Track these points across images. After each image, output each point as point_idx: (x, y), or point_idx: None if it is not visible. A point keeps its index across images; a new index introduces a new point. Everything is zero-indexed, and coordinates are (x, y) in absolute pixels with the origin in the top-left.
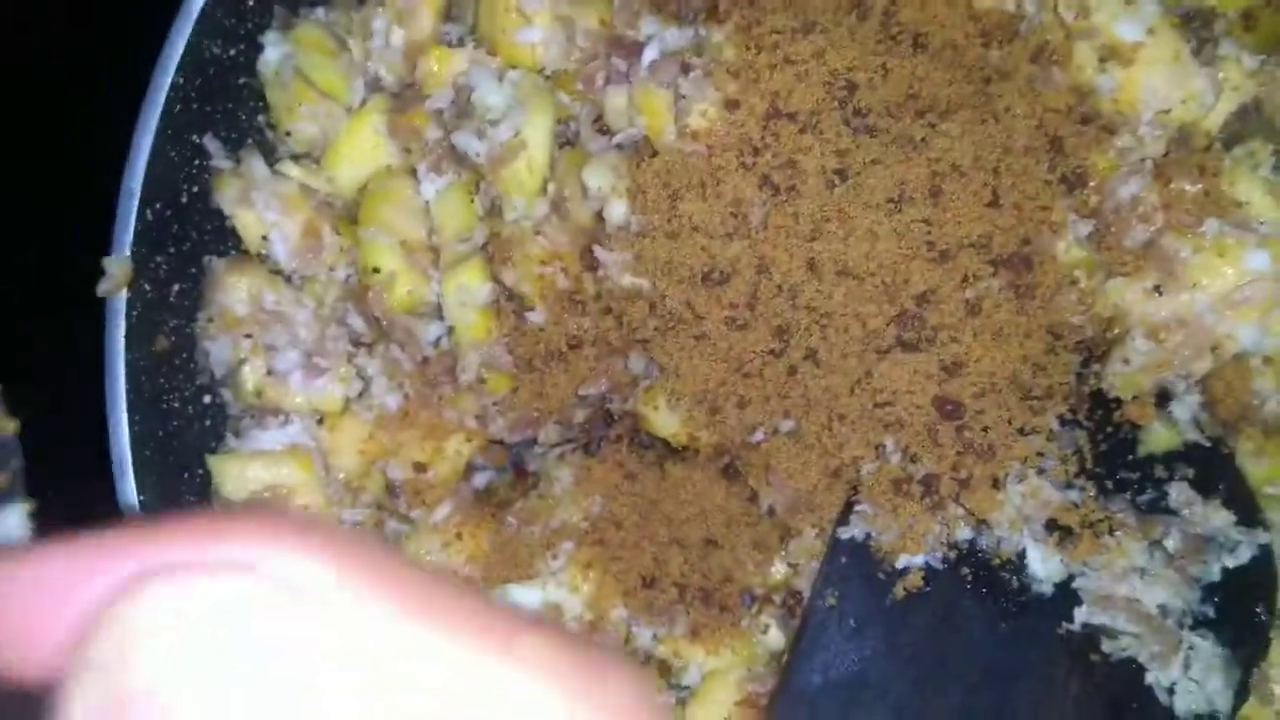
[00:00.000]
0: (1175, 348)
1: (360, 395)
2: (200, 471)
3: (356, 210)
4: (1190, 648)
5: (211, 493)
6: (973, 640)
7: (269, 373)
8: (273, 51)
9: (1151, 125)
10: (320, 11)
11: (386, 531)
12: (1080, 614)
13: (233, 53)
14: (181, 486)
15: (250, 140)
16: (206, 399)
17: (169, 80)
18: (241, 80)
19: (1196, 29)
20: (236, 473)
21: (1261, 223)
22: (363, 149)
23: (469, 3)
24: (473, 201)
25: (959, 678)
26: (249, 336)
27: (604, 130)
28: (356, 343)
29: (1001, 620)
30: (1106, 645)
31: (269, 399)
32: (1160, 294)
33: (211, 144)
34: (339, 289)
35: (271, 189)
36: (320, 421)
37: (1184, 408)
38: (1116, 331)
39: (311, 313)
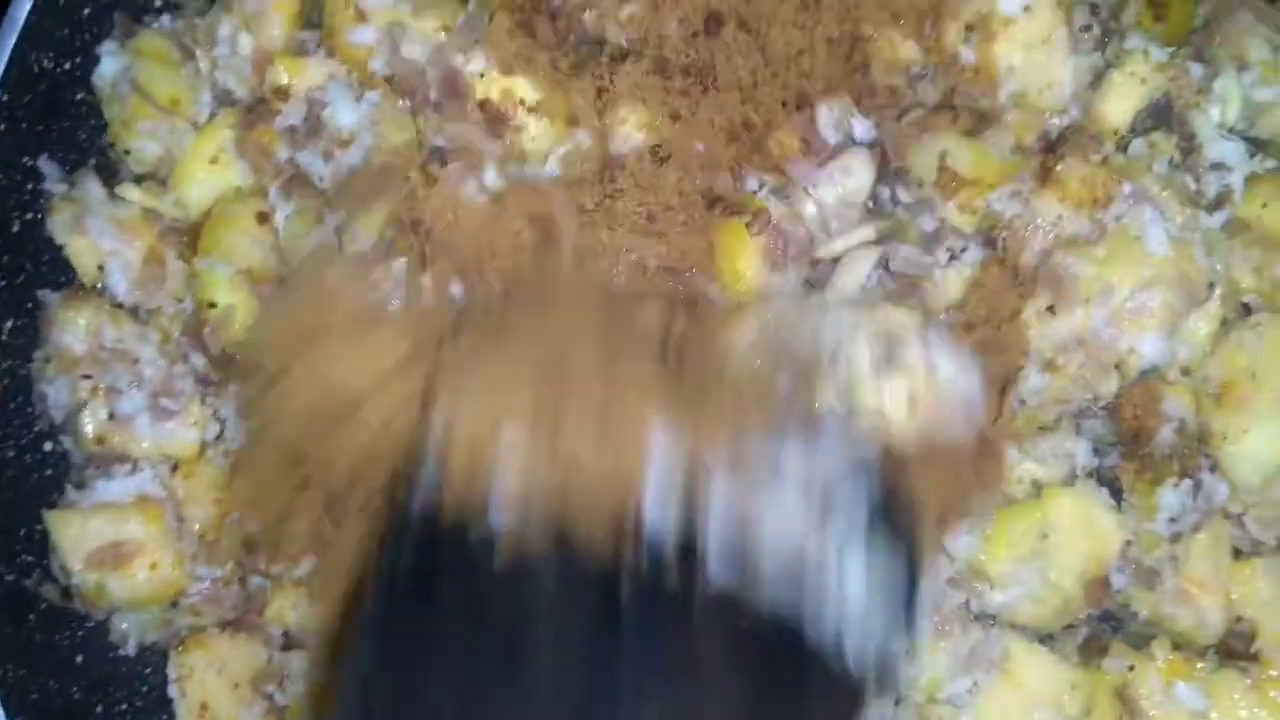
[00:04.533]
0: (1076, 372)
1: (217, 438)
2: (39, 528)
3: None
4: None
5: (49, 551)
6: (580, 616)
7: (111, 416)
8: (109, 64)
9: (1033, 113)
10: (166, 19)
11: (249, 589)
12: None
13: (67, 66)
14: (17, 546)
15: (93, 162)
16: (47, 446)
17: None
18: (79, 96)
19: (1103, 19)
20: (76, 529)
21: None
22: (210, 168)
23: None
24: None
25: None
26: (88, 377)
27: None
28: (205, 381)
29: (618, 584)
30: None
31: (114, 445)
32: (1054, 314)
33: (47, 166)
34: (185, 323)
35: (108, 214)
36: (174, 469)
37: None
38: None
39: (157, 349)
